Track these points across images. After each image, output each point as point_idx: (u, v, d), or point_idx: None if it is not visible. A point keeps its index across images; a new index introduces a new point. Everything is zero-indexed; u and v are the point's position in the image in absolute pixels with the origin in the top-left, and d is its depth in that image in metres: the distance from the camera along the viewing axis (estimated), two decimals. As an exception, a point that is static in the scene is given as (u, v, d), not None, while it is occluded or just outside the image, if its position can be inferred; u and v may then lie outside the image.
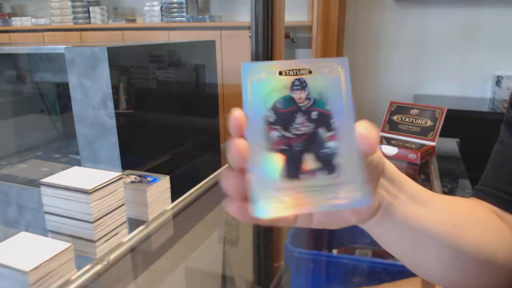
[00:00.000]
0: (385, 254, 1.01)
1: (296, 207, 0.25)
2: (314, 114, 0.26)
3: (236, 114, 0.25)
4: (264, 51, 1.69)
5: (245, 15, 2.95)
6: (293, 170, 0.26)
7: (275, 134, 0.26)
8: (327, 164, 0.26)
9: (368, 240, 1.06)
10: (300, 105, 0.26)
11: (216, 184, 1.13)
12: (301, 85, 0.26)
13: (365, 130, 0.27)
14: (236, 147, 0.25)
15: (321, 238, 1.10)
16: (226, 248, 1.05)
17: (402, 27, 2.51)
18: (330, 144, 0.26)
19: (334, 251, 1.05)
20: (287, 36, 2.58)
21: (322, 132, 0.26)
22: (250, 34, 1.72)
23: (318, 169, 0.26)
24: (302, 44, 2.79)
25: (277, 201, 0.25)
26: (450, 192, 0.97)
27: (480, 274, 0.40)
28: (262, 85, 0.26)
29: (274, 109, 0.26)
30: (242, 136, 0.26)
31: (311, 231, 1.06)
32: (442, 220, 0.38)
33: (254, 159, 0.25)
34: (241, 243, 1.09)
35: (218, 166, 1.26)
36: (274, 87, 0.26)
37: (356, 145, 0.26)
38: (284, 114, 0.26)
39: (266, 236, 1.07)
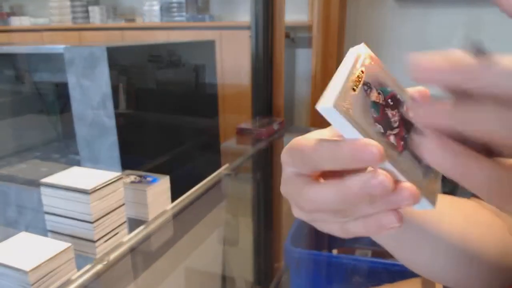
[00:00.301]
0: (385, 254, 1.01)
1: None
2: (390, 102, 0.27)
3: (368, 142, 0.23)
4: (264, 51, 1.69)
5: (245, 15, 2.94)
6: (416, 156, 0.26)
7: (392, 138, 0.26)
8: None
9: (368, 240, 1.07)
10: (381, 102, 0.26)
11: (216, 184, 1.13)
12: (368, 86, 0.26)
13: (415, 89, 0.28)
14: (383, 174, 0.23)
15: (321, 238, 1.10)
16: (226, 248, 1.04)
17: (403, 26, 2.51)
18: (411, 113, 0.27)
19: (334, 251, 1.05)
20: (287, 36, 2.58)
21: (403, 110, 0.27)
22: (250, 34, 1.72)
23: None
24: (302, 44, 2.79)
25: (430, 185, 0.26)
26: (451, 192, 0.97)
27: (480, 274, 0.41)
28: (354, 110, 0.24)
29: (375, 121, 0.25)
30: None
31: (311, 231, 1.06)
32: (444, 217, 0.38)
33: (398, 170, 0.24)
34: (241, 243, 1.09)
35: (218, 166, 1.26)
36: (360, 104, 0.25)
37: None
38: (383, 119, 0.26)
39: (266, 236, 1.07)
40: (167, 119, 1.19)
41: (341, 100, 0.23)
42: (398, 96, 0.27)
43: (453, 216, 0.40)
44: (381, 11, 2.54)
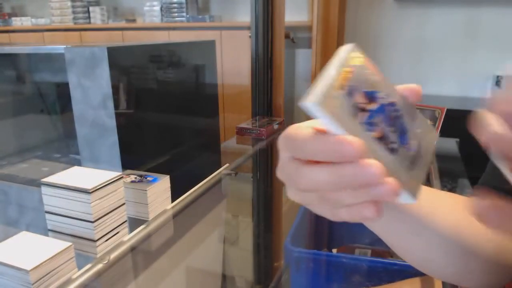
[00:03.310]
0: (384, 254, 1.01)
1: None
2: (374, 101, 0.28)
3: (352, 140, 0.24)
4: (264, 51, 1.70)
5: (245, 15, 2.95)
6: (402, 152, 0.28)
7: (376, 134, 0.27)
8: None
9: (368, 239, 1.07)
10: (365, 103, 0.27)
11: (216, 184, 1.14)
12: (355, 87, 0.26)
13: (406, 87, 0.30)
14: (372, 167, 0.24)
15: (321, 238, 1.10)
16: (226, 248, 1.05)
17: (402, 26, 2.51)
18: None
19: (334, 251, 1.05)
20: (287, 36, 2.58)
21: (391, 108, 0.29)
22: (250, 34, 1.72)
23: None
24: (302, 44, 2.79)
25: (413, 179, 0.27)
26: (450, 192, 0.98)
27: (477, 270, 0.41)
28: (338, 108, 0.25)
29: (360, 119, 0.26)
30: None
31: (311, 230, 1.06)
32: (440, 211, 0.38)
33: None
34: (241, 242, 1.09)
35: (218, 166, 1.26)
36: (345, 103, 0.25)
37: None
38: (367, 118, 0.27)
39: (266, 236, 1.07)
40: (168, 119, 1.20)
41: (324, 97, 0.24)
42: (383, 95, 0.27)
43: (448, 210, 0.41)
44: (381, 11, 2.54)
